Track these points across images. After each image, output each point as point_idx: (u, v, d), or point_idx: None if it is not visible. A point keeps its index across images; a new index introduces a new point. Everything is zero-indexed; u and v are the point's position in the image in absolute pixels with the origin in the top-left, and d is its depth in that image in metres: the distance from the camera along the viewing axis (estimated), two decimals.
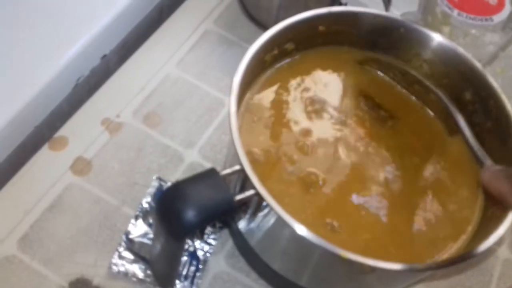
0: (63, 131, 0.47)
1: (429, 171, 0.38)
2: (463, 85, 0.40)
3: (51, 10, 0.49)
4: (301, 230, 0.31)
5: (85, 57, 0.50)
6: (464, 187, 0.38)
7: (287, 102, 0.40)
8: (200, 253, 0.42)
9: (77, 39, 0.49)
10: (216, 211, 0.31)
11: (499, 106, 0.37)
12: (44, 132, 0.47)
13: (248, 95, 0.40)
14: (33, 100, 0.45)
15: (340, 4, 0.57)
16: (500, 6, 0.39)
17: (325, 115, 0.40)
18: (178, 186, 0.31)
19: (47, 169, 0.45)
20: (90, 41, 0.49)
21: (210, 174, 0.32)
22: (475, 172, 0.38)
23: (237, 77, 0.35)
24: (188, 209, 0.30)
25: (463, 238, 0.36)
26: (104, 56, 0.52)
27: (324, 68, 0.42)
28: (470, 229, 0.36)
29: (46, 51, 0.47)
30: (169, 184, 0.45)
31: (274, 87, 0.41)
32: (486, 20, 0.41)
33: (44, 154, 0.46)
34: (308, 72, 0.41)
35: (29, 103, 0.45)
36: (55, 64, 0.47)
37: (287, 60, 0.41)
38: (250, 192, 0.32)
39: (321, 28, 0.41)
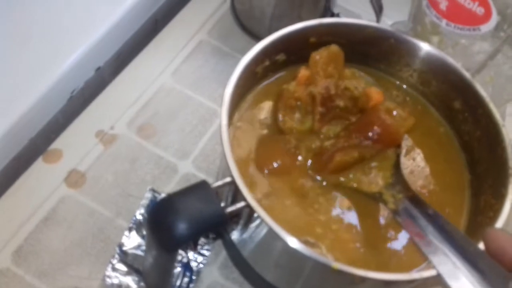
0: (57, 144, 0.47)
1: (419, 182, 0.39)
2: (453, 95, 0.40)
3: (45, 23, 0.50)
4: (292, 242, 0.31)
5: (80, 69, 0.50)
6: (451, 192, 0.38)
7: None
8: (193, 264, 0.42)
9: (72, 51, 0.49)
10: (207, 224, 0.31)
11: (488, 115, 0.38)
12: (38, 144, 0.48)
13: (241, 107, 0.40)
14: (28, 112, 0.46)
15: (333, 14, 0.58)
16: (487, 16, 0.40)
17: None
18: (169, 199, 0.31)
19: (41, 181, 0.45)
20: (85, 53, 0.50)
21: (201, 186, 0.32)
22: (462, 176, 0.39)
23: (228, 89, 0.36)
24: (179, 222, 0.30)
25: None
26: (99, 68, 0.52)
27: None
28: None
29: (40, 64, 0.48)
30: (162, 195, 0.45)
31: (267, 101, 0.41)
32: (474, 30, 0.41)
33: (39, 166, 0.46)
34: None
35: (23, 116, 0.45)
36: (49, 77, 0.47)
37: (279, 74, 0.42)
38: (241, 204, 0.32)
39: (312, 39, 0.41)
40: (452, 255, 0.31)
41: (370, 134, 0.37)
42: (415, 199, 0.35)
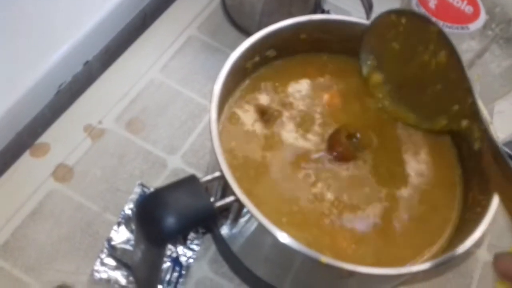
0: (44, 138, 0.47)
1: (406, 175, 0.39)
2: None
3: (33, 16, 0.49)
4: (281, 236, 0.31)
5: (68, 63, 0.50)
6: (442, 188, 0.39)
7: (267, 110, 0.40)
8: (183, 259, 0.42)
9: (60, 45, 0.48)
10: (196, 218, 0.31)
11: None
12: (25, 138, 0.47)
13: (230, 101, 0.40)
14: (15, 106, 0.45)
15: (323, 11, 0.58)
16: (476, 14, 0.40)
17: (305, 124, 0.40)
18: (157, 194, 0.31)
19: (28, 176, 0.45)
20: (73, 47, 0.49)
21: (190, 181, 0.32)
22: (453, 173, 0.39)
23: (218, 85, 0.36)
24: (168, 216, 0.30)
25: (441, 241, 0.37)
26: (87, 62, 0.52)
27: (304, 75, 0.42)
28: (448, 231, 0.37)
29: (28, 57, 0.47)
30: (151, 190, 0.45)
31: (255, 94, 0.41)
32: (463, 28, 0.42)
33: (26, 160, 0.45)
34: (289, 79, 0.42)
35: (10, 109, 0.45)
36: (37, 70, 0.47)
37: (268, 67, 0.42)
38: (230, 198, 0.32)
39: (302, 35, 0.41)
40: None
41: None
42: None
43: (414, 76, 0.40)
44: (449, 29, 0.43)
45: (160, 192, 0.31)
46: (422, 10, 0.44)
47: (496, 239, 0.48)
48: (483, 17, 0.40)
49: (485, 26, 0.41)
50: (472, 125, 0.36)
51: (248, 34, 0.39)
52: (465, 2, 0.40)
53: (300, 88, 0.42)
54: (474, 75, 0.45)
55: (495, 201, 0.34)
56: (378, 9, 0.53)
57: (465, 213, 0.37)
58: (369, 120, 0.41)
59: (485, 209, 0.34)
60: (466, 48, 0.43)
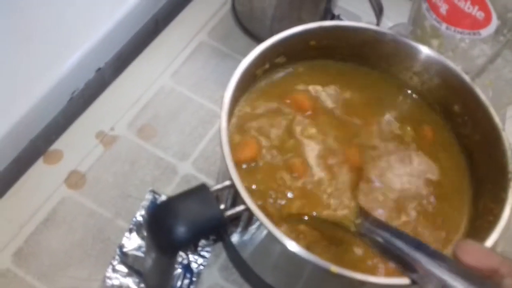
0: (58, 145, 0.47)
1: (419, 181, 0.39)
2: (452, 98, 0.40)
3: (46, 24, 0.50)
4: (291, 245, 0.31)
5: (80, 70, 0.50)
6: (451, 195, 0.38)
7: (277, 116, 0.40)
8: (193, 266, 0.43)
9: (72, 52, 0.49)
10: (206, 227, 0.31)
11: (488, 119, 0.38)
12: (39, 145, 0.48)
13: (238, 107, 0.40)
14: (28, 113, 0.46)
15: (333, 16, 0.58)
16: (487, 20, 0.40)
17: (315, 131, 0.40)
18: (168, 203, 0.31)
19: (41, 182, 0.45)
20: (85, 54, 0.50)
21: (201, 190, 0.32)
22: (462, 180, 0.39)
23: (228, 92, 0.36)
24: (178, 226, 0.30)
25: (452, 248, 0.36)
26: (99, 69, 0.52)
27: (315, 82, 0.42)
28: (458, 239, 0.37)
29: (41, 65, 0.48)
30: (163, 197, 0.45)
31: (266, 101, 0.41)
32: (474, 34, 0.41)
33: (39, 167, 0.46)
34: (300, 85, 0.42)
35: (24, 117, 0.45)
36: (50, 77, 0.47)
37: (279, 74, 0.42)
38: (241, 207, 0.32)
39: (312, 42, 0.41)
40: (429, 264, 0.29)
41: None
42: (375, 220, 0.35)
43: None
44: (461, 35, 0.42)
45: (170, 202, 0.31)
46: (433, 16, 0.43)
47: (510, 246, 0.47)
48: (494, 22, 0.40)
49: (497, 31, 0.40)
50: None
51: (258, 39, 0.39)
52: (476, 8, 0.40)
53: (310, 94, 0.42)
54: (486, 81, 0.44)
55: (508, 210, 0.34)
56: (388, 12, 0.53)
57: (476, 220, 0.37)
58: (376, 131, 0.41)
59: (498, 218, 0.34)
60: (478, 54, 0.43)
